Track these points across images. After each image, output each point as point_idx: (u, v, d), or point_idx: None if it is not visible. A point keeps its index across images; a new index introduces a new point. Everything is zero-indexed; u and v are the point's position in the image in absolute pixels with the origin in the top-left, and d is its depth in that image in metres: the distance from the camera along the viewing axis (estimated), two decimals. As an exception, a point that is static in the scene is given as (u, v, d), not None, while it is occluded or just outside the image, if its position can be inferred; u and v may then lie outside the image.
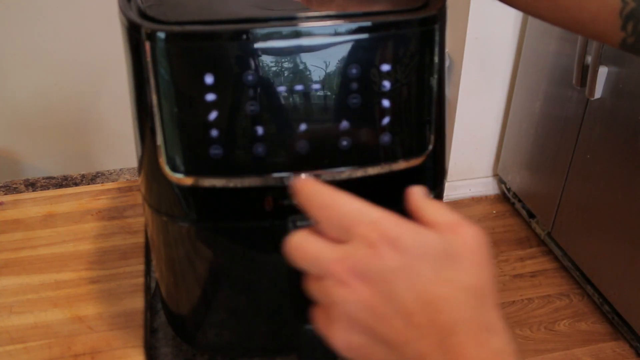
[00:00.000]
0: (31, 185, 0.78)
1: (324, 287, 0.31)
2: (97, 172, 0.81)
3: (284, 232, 0.41)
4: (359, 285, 0.30)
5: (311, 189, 0.33)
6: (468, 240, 0.31)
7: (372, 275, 0.30)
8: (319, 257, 0.31)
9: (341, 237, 0.32)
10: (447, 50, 0.42)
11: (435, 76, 0.41)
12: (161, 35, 0.37)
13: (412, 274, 0.29)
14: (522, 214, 2.04)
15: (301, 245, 0.32)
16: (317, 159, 0.40)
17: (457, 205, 2.14)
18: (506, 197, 2.15)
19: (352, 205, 0.32)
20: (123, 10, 0.39)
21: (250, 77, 0.37)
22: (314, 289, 0.32)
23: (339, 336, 0.31)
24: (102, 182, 0.79)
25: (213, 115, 0.38)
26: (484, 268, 0.31)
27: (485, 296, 0.30)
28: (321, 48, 0.38)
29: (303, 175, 0.36)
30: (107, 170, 0.82)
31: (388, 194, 0.44)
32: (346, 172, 0.41)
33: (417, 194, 0.34)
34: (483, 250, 0.31)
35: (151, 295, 0.61)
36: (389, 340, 0.30)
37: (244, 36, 0.37)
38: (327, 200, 0.32)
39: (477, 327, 0.29)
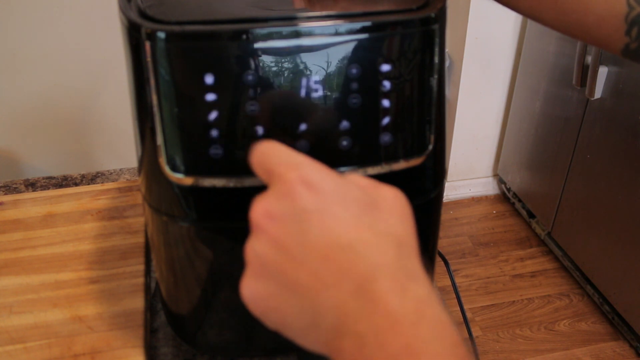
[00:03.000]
0: (31, 185, 0.78)
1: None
2: (97, 172, 0.81)
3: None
4: (271, 225, 0.28)
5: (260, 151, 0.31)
6: (388, 195, 0.30)
7: (284, 214, 0.28)
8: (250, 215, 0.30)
9: (266, 182, 0.30)
10: (447, 50, 0.42)
11: (435, 76, 0.41)
12: (161, 35, 0.37)
13: (328, 216, 0.27)
14: (522, 214, 2.04)
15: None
16: (317, 159, 0.40)
17: (457, 205, 2.14)
18: (506, 197, 2.15)
19: (280, 151, 0.30)
20: (123, 10, 0.39)
21: (250, 77, 0.37)
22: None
23: (247, 286, 0.29)
24: (102, 182, 0.79)
25: (213, 115, 0.38)
26: (404, 220, 0.29)
27: (407, 245, 0.28)
28: (321, 48, 0.38)
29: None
30: (107, 170, 0.82)
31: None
32: (346, 172, 0.41)
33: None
34: (403, 206, 0.30)
35: (151, 295, 0.61)
36: (301, 288, 0.27)
37: (244, 36, 0.37)
38: (264, 150, 0.31)
39: (399, 274, 0.26)
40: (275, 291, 0.28)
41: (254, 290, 0.29)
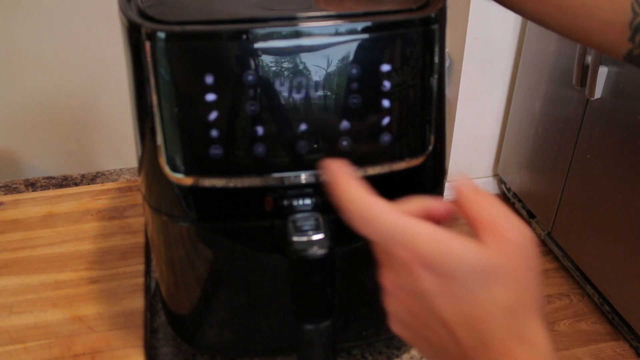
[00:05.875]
0: (31, 185, 0.78)
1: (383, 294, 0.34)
2: (97, 172, 0.81)
3: (283, 232, 0.41)
4: (404, 297, 0.32)
5: (346, 196, 0.33)
6: (508, 247, 0.31)
7: (413, 292, 0.32)
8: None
9: (383, 247, 0.33)
10: (447, 50, 0.42)
11: (435, 76, 0.41)
12: (161, 35, 0.37)
13: (448, 295, 0.30)
14: (522, 214, 2.04)
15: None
16: (317, 159, 0.40)
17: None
18: (506, 197, 2.15)
19: (388, 221, 0.32)
20: (123, 10, 0.39)
21: (250, 77, 0.37)
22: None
23: (394, 327, 0.34)
24: (102, 182, 0.79)
25: (213, 115, 0.38)
26: (521, 277, 0.31)
27: (521, 310, 0.30)
28: (321, 48, 0.38)
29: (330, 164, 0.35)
30: (107, 170, 0.82)
31: (388, 194, 0.44)
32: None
33: (464, 189, 0.33)
34: (523, 255, 0.31)
35: (151, 295, 0.61)
36: (434, 344, 0.32)
37: (244, 36, 0.37)
38: (364, 214, 0.32)
39: (510, 341, 0.30)
40: (415, 338, 0.33)
41: (400, 332, 0.34)
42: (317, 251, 0.39)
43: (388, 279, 0.33)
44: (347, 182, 0.34)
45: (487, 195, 0.33)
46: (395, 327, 0.34)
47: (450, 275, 0.30)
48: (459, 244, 0.30)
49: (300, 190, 0.41)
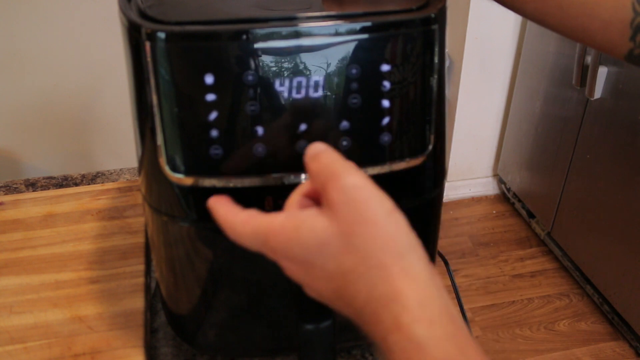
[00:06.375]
0: (31, 185, 0.78)
1: None
2: (97, 172, 0.81)
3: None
4: (305, 286, 0.34)
5: (219, 219, 0.36)
6: (336, 210, 0.31)
7: (300, 281, 0.34)
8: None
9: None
10: (447, 50, 0.42)
11: (435, 76, 0.41)
12: (161, 35, 0.37)
13: (313, 277, 0.32)
14: (522, 214, 2.04)
15: None
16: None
17: (457, 205, 2.14)
18: (506, 197, 2.15)
19: (246, 229, 0.34)
20: (123, 10, 0.39)
21: (250, 77, 0.37)
22: None
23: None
24: (102, 182, 0.79)
25: (213, 115, 0.38)
26: (360, 235, 0.30)
27: (375, 268, 0.30)
28: (321, 48, 0.38)
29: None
30: (107, 170, 0.82)
31: (388, 195, 0.44)
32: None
33: (306, 159, 0.34)
34: (353, 212, 0.31)
35: (151, 295, 0.61)
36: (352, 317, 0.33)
37: (244, 36, 0.37)
38: (232, 230, 0.35)
39: (375, 306, 0.30)
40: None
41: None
42: (317, 251, 0.39)
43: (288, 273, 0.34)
44: (218, 206, 0.36)
45: (320, 158, 0.33)
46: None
47: (302, 261, 0.32)
48: (298, 228, 0.32)
49: (300, 190, 0.41)
